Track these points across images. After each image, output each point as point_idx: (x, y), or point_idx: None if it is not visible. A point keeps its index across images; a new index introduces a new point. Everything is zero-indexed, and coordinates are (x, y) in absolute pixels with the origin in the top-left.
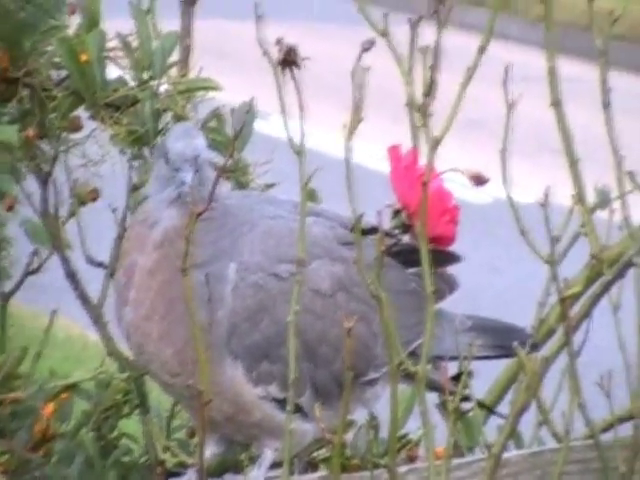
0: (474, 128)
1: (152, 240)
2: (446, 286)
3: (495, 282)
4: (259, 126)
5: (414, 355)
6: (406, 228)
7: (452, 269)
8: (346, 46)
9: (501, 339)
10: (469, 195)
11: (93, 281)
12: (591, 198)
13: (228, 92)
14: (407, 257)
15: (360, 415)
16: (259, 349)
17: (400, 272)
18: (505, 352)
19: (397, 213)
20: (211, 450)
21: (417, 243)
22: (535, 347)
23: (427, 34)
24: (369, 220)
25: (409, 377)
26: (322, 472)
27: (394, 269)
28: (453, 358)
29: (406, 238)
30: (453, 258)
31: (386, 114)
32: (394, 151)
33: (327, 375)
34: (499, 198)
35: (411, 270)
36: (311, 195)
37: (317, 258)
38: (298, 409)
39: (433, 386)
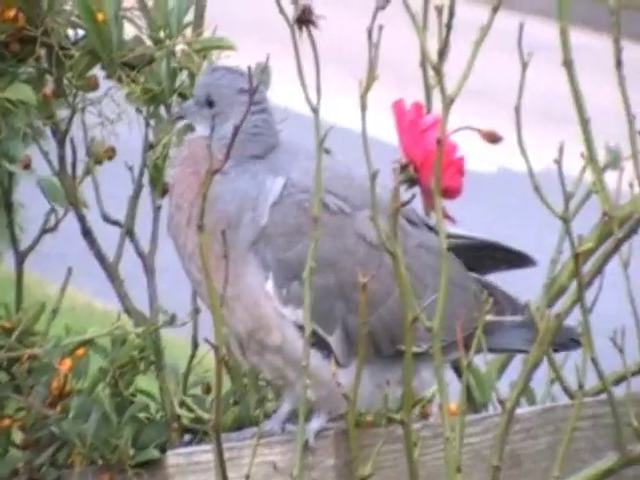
0: (476, 98)
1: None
2: (509, 306)
3: None
4: None
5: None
6: (413, 182)
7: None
8: (341, 11)
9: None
10: (474, 164)
11: (107, 240)
12: (601, 160)
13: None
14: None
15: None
16: (291, 267)
17: (462, 269)
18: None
19: (404, 168)
20: None
21: (427, 197)
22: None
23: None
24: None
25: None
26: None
27: (458, 264)
28: (503, 350)
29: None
30: (527, 261)
31: (387, 84)
32: (398, 106)
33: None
34: (504, 167)
35: (473, 274)
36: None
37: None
38: (325, 347)
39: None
